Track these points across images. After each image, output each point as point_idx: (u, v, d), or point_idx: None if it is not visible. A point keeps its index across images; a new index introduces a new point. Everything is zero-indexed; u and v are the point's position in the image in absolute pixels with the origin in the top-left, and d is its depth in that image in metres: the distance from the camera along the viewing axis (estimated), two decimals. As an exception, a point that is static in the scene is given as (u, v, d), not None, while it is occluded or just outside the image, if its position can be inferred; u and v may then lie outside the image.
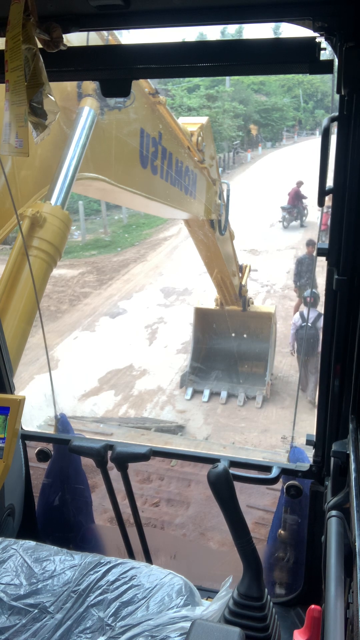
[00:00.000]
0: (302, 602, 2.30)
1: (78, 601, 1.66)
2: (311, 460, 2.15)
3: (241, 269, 8.47)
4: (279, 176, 22.65)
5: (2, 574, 1.75)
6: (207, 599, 1.80)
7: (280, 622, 1.85)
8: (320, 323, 8.47)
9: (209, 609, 1.59)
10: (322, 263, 1.88)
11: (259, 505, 4.57)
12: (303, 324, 8.75)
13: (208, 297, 9.55)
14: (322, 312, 1.93)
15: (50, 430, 2.96)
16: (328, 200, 1.73)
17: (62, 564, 1.78)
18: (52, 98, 1.55)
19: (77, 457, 2.64)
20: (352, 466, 1.54)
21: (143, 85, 4.42)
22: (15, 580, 1.73)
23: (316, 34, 1.50)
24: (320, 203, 1.72)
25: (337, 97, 1.58)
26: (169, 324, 11.80)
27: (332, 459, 1.74)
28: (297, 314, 9.41)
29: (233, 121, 28.50)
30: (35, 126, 1.54)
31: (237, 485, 1.76)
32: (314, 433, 2.11)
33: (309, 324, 8.32)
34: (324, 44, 1.51)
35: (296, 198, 17.03)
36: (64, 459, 2.67)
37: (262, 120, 33.33)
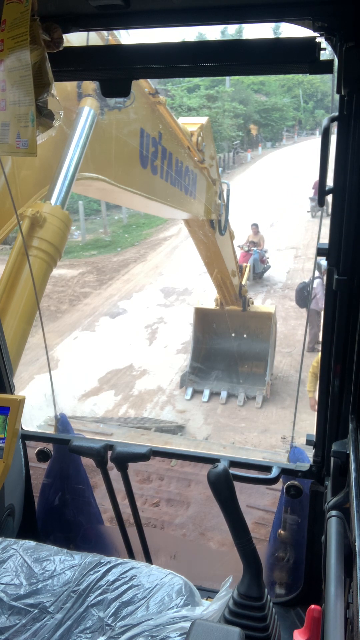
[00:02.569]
0: (302, 602, 2.30)
1: (78, 601, 1.66)
2: (311, 460, 2.15)
3: (241, 268, 8.48)
4: (279, 176, 22.65)
5: (2, 574, 1.75)
6: (207, 599, 1.80)
7: (280, 622, 1.85)
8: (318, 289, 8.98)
9: (209, 609, 1.59)
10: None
11: (259, 505, 4.57)
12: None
13: (208, 297, 9.55)
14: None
15: (50, 430, 2.96)
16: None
17: (62, 564, 1.78)
18: (57, 98, 1.55)
19: (77, 457, 2.64)
20: (352, 466, 1.54)
21: (143, 85, 4.42)
22: (15, 580, 1.73)
23: (316, 34, 1.50)
24: (321, 203, 1.72)
25: (337, 97, 1.58)
26: (169, 324, 11.80)
27: (332, 459, 1.74)
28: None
29: (233, 121, 28.51)
30: (38, 126, 1.54)
31: (237, 485, 1.75)
32: (314, 433, 2.11)
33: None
34: (324, 44, 1.51)
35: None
36: (64, 459, 2.67)
37: (262, 120, 33.34)
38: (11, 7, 1.43)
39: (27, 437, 2.59)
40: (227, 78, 29.38)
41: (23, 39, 1.41)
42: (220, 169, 7.00)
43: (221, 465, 1.71)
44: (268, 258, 14.11)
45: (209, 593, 2.21)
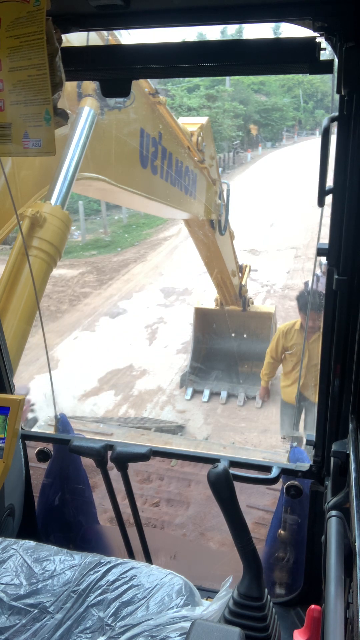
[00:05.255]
0: (302, 602, 2.30)
1: (78, 601, 1.66)
2: (311, 460, 2.15)
3: (241, 269, 8.47)
4: (279, 176, 22.66)
5: (2, 574, 1.75)
6: (207, 599, 1.80)
7: (280, 622, 1.85)
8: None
9: (209, 609, 1.59)
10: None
11: (259, 505, 4.57)
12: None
13: (208, 297, 9.54)
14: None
15: (50, 430, 2.96)
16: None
17: (62, 564, 1.78)
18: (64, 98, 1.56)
19: (77, 457, 2.64)
20: (352, 466, 1.54)
21: (143, 85, 4.42)
22: (15, 580, 1.73)
23: (316, 34, 1.50)
24: (320, 203, 1.72)
25: (337, 97, 1.58)
26: (169, 324, 11.80)
27: (332, 459, 1.74)
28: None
29: (233, 121, 28.51)
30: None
31: (237, 485, 1.75)
32: (314, 433, 2.11)
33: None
34: (324, 44, 1.51)
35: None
36: (64, 459, 2.67)
37: (262, 120, 33.35)
38: (8, 6, 1.43)
39: (27, 437, 2.59)
40: (227, 78, 29.38)
41: (35, 39, 1.41)
42: (220, 169, 7.00)
43: (221, 465, 1.71)
44: None
45: (209, 593, 2.21)
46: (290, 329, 5.69)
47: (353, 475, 1.48)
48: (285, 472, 2.19)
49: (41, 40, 1.41)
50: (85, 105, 3.71)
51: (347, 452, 1.67)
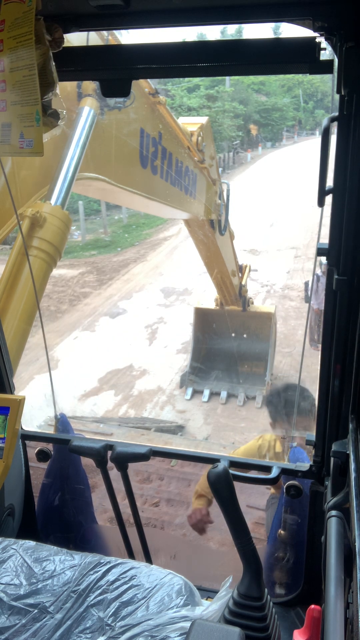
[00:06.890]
0: (302, 602, 2.30)
1: (78, 601, 1.66)
2: (311, 460, 2.15)
3: (241, 269, 8.48)
4: (279, 176, 22.66)
5: (2, 574, 1.74)
6: (207, 599, 1.80)
7: (280, 622, 1.85)
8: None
9: (209, 609, 1.59)
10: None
11: (259, 505, 4.57)
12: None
13: (208, 297, 9.54)
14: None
15: (50, 430, 2.96)
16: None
17: (62, 564, 1.78)
18: (60, 98, 1.55)
19: (77, 457, 2.64)
20: (352, 466, 1.54)
21: (143, 85, 4.42)
22: (15, 580, 1.73)
23: (316, 34, 1.50)
24: (320, 203, 1.72)
25: (337, 97, 1.58)
26: (169, 324, 11.80)
27: (332, 459, 1.74)
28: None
29: (233, 121, 28.52)
30: (42, 125, 1.54)
31: (237, 485, 1.76)
32: (314, 433, 2.11)
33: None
34: (324, 44, 1.51)
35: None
36: (64, 459, 2.67)
37: (262, 120, 33.36)
38: (11, 6, 1.43)
39: (27, 437, 2.59)
40: (227, 78, 29.38)
41: (27, 39, 1.41)
42: (220, 169, 7.00)
43: (221, 465, 1.71)
44: None
45: (209, 593, 2.21)
46: (268, 448, 3.70)
47: (353, 475, 1.48)
48: (285, 472, 2.19)
49: (30, 41, 1.41)
50: (85, 105, 3.71)
51: (347, 452, 1.67)
